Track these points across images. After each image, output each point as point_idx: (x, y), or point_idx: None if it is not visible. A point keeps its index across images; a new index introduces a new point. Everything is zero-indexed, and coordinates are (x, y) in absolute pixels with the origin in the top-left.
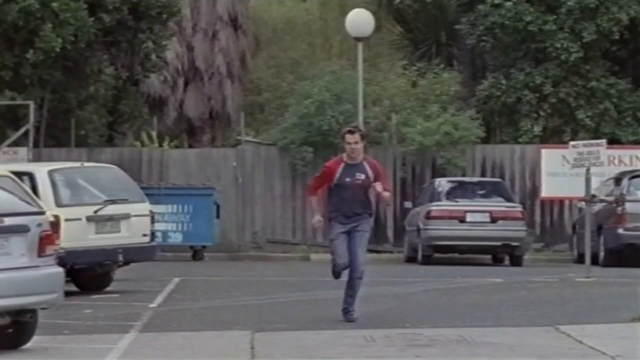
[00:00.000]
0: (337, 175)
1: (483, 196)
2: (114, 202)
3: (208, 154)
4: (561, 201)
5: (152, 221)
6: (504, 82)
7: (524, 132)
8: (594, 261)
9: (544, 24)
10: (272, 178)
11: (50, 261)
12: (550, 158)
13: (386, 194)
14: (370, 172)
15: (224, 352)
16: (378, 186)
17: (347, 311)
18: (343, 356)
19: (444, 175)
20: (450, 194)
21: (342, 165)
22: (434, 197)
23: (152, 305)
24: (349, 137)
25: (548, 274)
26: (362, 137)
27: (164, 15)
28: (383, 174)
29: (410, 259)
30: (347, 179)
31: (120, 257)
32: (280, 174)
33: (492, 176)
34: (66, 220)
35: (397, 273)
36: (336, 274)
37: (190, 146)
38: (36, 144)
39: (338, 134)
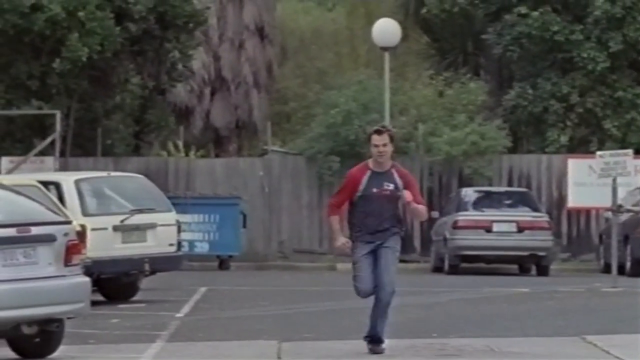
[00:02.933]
0: (363, 185)
1: (510, 206)
2: (140, 211)
3: (235, 164)
4: (588, 211)
5: (179, 231)
6: (530, 91)
7: (551, 142)
8: (621, 271)
9: (571, 34)
10: (298, 188)
11: (77, 270)
12: (577, 168)
13: (420, 207)
14: (399, 182)
15: None
16: (407, 194)
17: (371, 339)
18: None
19: (470, 185)
20: (477, 204)
21: (368, 173)
22: (461, 207)
23: (178, 315)
24: (376, 139)
25: (575, 284)
26: (391, 138)
27: (191, 25)
28: (414, 184)
29: (437, 269)
30: (374, 190)
31: (147, 267)
32: (307, 183)
33: (519, 186)
34: (93, 229)
35: (424, 283)
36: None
37: (216, 156)
38: (63, 154)
39: (365, 144)
